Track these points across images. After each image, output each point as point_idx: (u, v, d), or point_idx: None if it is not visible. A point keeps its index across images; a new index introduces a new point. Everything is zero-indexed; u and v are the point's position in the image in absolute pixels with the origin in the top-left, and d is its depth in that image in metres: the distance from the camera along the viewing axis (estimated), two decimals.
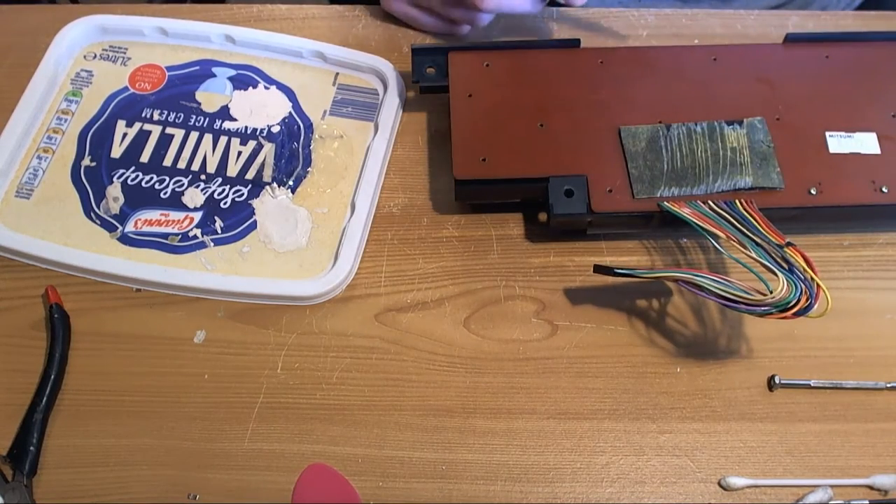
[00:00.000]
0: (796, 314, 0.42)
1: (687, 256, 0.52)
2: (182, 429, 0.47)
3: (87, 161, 0.55)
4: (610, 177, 0.50)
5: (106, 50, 0.59)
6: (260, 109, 0.57)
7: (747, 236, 0.46)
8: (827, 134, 0.51)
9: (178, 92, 0.57)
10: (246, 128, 0.56)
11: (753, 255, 0.45)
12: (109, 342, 0.49)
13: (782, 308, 0.42)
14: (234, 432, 0.47)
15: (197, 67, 0.59)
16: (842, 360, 0.49)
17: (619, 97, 0.53)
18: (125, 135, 0.56)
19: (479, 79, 0.54)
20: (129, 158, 0.55)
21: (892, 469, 0.46)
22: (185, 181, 0.54)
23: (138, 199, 0.53)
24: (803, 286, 0.43)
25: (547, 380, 0.48)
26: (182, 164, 0.54)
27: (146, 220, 0.52)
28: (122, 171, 0.54)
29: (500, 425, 0.47)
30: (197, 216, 0.53)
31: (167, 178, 0.54)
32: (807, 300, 0.42)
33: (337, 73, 0.59)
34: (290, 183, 0.54)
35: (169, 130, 0.56)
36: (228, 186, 0.54)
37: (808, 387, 0.48)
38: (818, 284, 0.43)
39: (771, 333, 0.49)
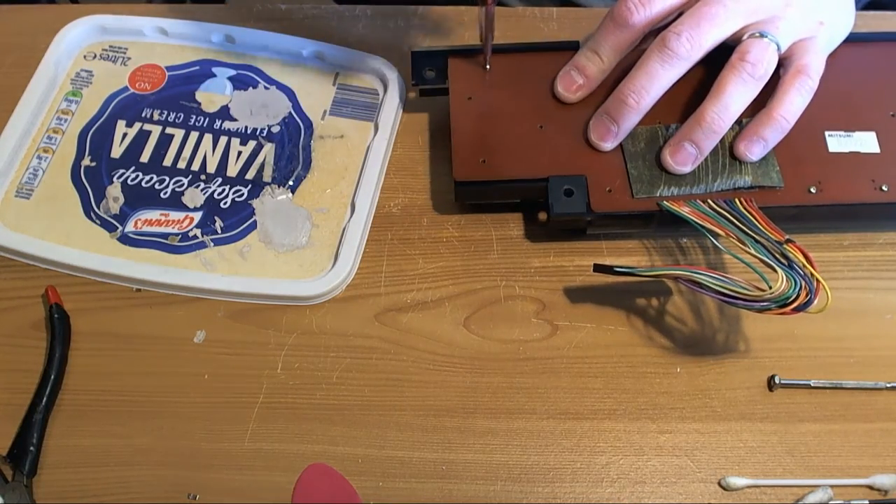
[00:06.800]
0: (795, 309, 0.42)
1: (687, 256, 0.52)
2: (182, 429, 0.47)
3: (87, 161, 0.55)
4: (609, 177, 0.50)
5: (106, 50, 0.59)
6: (260, 109, 0.57)
7: (747, 234, 0.46)
8: (826, 133, 0.51)
9: (178, 92, 0.57)
10: (246, 128, 0.56)
11: (753, 251, 0.45)
12: (109, 342, 0.49)
13: (781, 303, 0.42)
14: (234, 432, 0.47)
15: (197, 67, 0.59)
16: (842, 360, 0.49)
17: None
18: (125, 135, 0.56)
19: (478, 81, 0.54)
20: (129, 158, 0.55)
21: (892, 469, 0.46)
22: (185, 181, 0.54)
23: (138, 199, 0.53)
24: (802, 282, 0.43)
25: (547, 380, 0.48)
26: (182, 164, 0.54)
27: (146, 220, 0.52)
28: (122, 171, 0.54)
29: (500, 425, 0.47)
30: (197, 216, 0.53)
31: (167, 178, 0.54)
32: (806, 295, 0.42)
33: (337, 73, 0.59)
34: (290, 183, 0.54)
35: (169, 130, 0.56)
36: (228, 186, 0.54)
37: (808, 387, 0.48)
38: (818, 280, 0.43)
39: (771, 333, 0.49)
